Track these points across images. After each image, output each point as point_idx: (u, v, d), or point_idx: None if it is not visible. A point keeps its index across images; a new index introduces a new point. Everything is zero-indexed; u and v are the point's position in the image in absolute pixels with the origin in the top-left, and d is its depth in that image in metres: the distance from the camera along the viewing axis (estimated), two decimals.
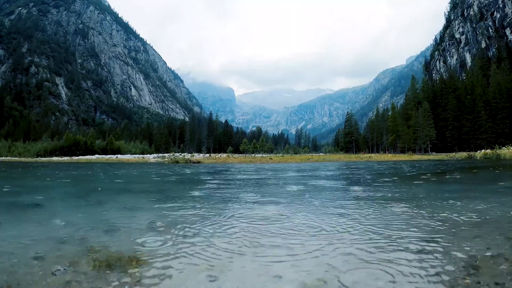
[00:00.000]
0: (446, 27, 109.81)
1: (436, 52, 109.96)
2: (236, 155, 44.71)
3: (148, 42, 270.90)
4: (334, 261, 1.62)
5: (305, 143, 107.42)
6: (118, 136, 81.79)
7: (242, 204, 3.71)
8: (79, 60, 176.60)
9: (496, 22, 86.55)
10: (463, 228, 2.30)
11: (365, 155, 41.34)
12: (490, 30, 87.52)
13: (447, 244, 1.88)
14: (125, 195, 4.77)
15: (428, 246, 1.85)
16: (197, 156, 33.75)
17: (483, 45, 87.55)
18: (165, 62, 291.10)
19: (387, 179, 7.46)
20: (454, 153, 39.27)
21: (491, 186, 5.27)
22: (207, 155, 46.51)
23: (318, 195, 4.51)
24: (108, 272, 1.49)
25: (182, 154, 45.30)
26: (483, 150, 29.42)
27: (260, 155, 52.49)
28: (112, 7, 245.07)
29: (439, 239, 2.00)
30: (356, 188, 5.64)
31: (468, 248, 1.79)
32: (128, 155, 51.82)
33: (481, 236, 2.04)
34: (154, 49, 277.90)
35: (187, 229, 2.37)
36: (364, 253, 1.73)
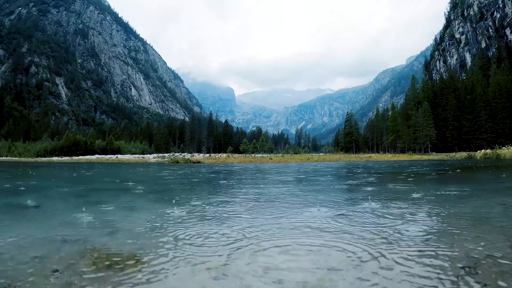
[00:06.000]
0: (446, 27, 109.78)
1: (436, 52, 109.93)
2: (236, 155, 44.65)
3: (148, 42, 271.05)
4: (333, 261, 1.62)
5: (305, 143, 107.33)
6: (118, 136, 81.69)
7: (242, 204, 3.71)
8: (79, 60, 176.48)
9: (496, 22, 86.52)
10: (463, 228, 2.30)
11: (365, 155, 41.32)
12: (490, 30, 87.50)
13: (447, 244, 1.88)
14: (125, 195, 4.77)
15: (428, 246, 1.85)
16: (197, 156, 33.71)
17: (483, 45, 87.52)
18: (165, 62, 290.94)
19: (387, 179, 7.46)
20: (454, 153, 39.22)
21: (491, 186, 5.26)
22: (207, 155, 46.47)
23: (317, 195, 4.51)
24: (108, 272, 1.50)
25: (182, 154, 45.31)
26: (483, 150, 29.36)
27: (260, 155, 52.44)
28: (112, 7, 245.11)
29: (439, 239, 2.00)
30: (355, 188, 5.63)
31: (468, 248, 1.79)
32: (128, 155, 51.81)
33: (481, 236, 2.04)
34: (154, 49, 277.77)
35: (187, 229, 2.37)
36: (364, 253, 1.74)
